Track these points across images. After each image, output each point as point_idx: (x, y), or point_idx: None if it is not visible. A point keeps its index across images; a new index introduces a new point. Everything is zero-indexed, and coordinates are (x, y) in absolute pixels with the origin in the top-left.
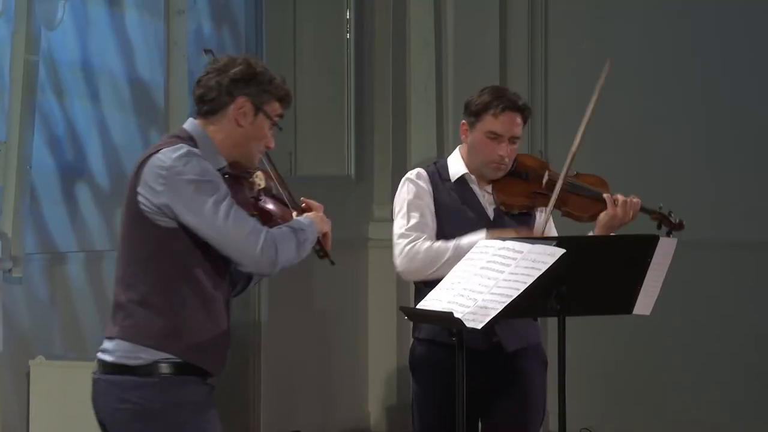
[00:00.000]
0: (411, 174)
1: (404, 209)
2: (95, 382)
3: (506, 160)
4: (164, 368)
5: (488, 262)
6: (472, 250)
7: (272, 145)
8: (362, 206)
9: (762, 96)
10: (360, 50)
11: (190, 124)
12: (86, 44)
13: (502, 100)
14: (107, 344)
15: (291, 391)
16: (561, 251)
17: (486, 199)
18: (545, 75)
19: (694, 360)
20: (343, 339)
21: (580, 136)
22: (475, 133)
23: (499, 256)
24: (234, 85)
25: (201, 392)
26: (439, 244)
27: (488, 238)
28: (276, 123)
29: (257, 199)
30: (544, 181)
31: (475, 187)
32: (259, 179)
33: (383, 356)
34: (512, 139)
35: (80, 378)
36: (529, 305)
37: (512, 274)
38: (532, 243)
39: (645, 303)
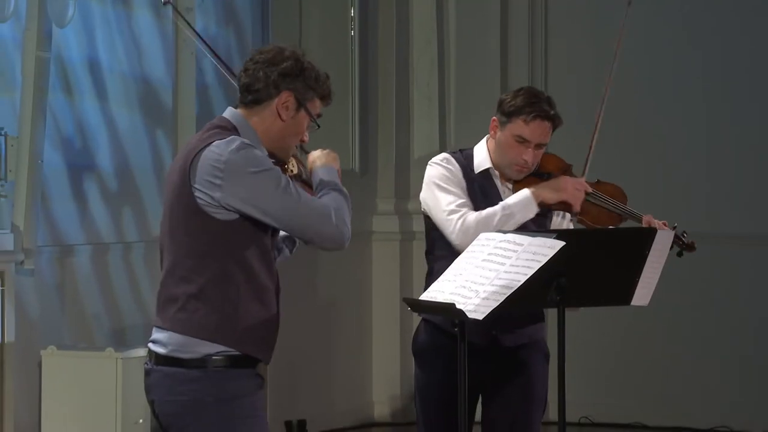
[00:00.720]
0: (438, 158)
1: (442, 187)
2: (148, 372)
3: (530, 164)
4: (217, 361)
5: (490, 254)
6: (473, 242)
7: (307, 139)
8: (366, 200)
9: (760, 91)
10: (364, 48)
11: (231, 113)
12: (95, 42)
13: (534, 107)
14: (158, 335)
15: (296, 381)
16: (561, 244)
17: (506, 195)
18: (545, 73)
19: (691, 351)
20: (347, 330)
21: (594, 141)
22: (504, 133)
23: (501, 248)
24: (282, 79)
25: (252, 386)
26: (487, 211)
27: (531, 195)
28: (315, 121)
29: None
30: None
31: (498, 182)
32: (293, 166)
33: (387, 347)
34: (539, 146)
35: (90, 367)
36: (529, 296)
37: (513, 266)
38: (533, 236)
39: (643, 294)
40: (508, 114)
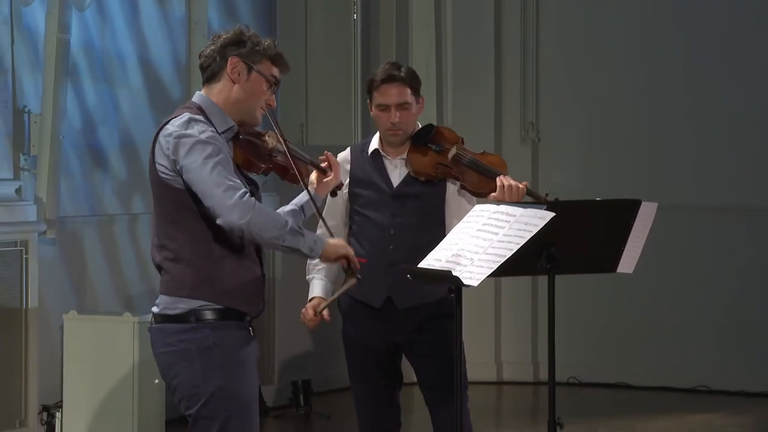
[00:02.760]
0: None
1: None
2: (149, 331)
3: (399, 124)
4: (203, 314)
5: (484, 224)
6: (468, 213)
7: (273, 103)
8: None
9: (740, 71)
10: (366, 31)
11: (196, 95)
12: (112, 28)
13: (381, 75)
14: (157, 299)
15: (302, 344)
16: (551, 215)
17: (394, 170)
18: (536, 54)
19: (672, 316)
20: None
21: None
22: (373, 110)
23: (494, 219)
24: (226, 48)
25: (237, 337)
26: (309, 266)
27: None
28: (272, 82)
29: (271, 155)
30: (450, 155)
31: (386, 161)
32: (271, 139)
33: None
34: (400, 106)
35: (108, 330)
36: (521, 264)
37: (506, 235)
38: (525, 207)
39: (628, 262)
40: (368, 92)
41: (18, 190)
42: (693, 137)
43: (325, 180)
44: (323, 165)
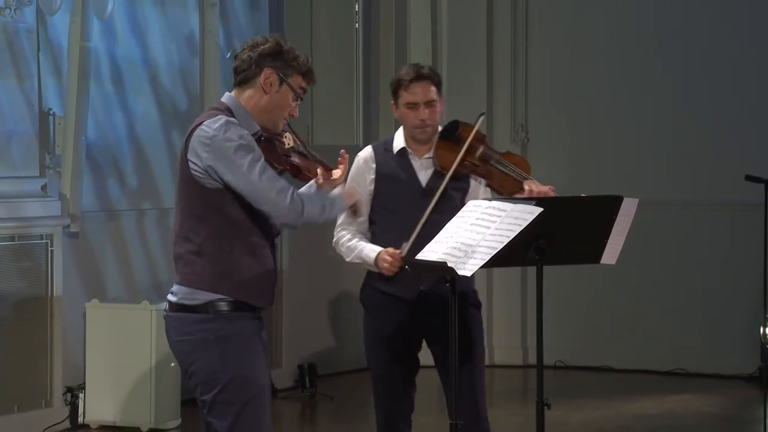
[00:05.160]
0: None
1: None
2: (165, 319)
3: (427, 121)
4: (219, 306)
5: (477, 219)
6: (463, 208)
7: (296, 114)
8: None
9: (712, 72)
10: (367, 38)
11: (226, 96)
12: (134, 36)
13: (408, 74)
14: (174, 288)
15: (307, 329)
16: (539, 210)
17: (420, 168)
18: (525, 59)
19: (652, 304)
20: (352, 284)
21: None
22: (400, 109)
23: (487, 213)
24: (263, 58)
25: (250, 327)
26: (350, 244)
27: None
28: (299, 95)
29: (288, 156)
30: (478, 154)
31: (411, 158)
32: (288, 140)
33: None
34: (428, 103)
35: (128, 317)
36: (512, 256)
37: (498, 229)
38: (515, 203)
39: (611, 254)
40: (394, 91)
41: (44, 187)
42: (671, 137)
43: (332, 178)
44: (340, 164)
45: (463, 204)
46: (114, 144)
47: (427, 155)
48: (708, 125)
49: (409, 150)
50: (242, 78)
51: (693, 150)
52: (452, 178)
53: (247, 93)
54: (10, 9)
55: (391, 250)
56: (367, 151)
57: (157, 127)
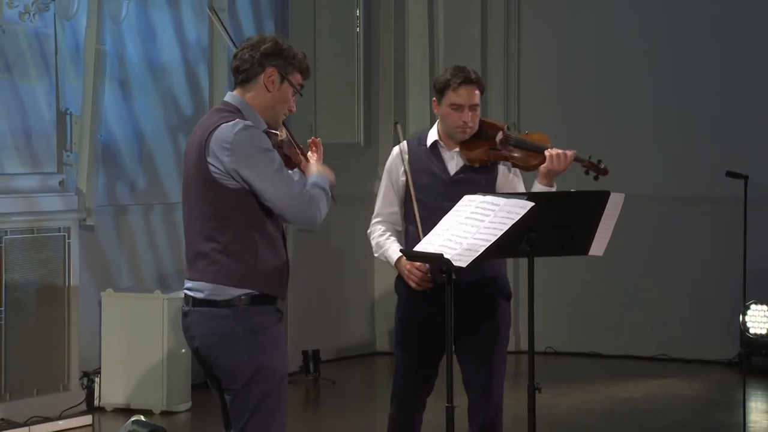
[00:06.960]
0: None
1: (384, 184)
2: (186, 314)
3: (469, 124)
4: (245, 300)
5: (471, 212)
6: (458, 203)
7: (294, 109)
8: (369, 167)
9: (696, 73)
10: (368, 42)
11: (231, 96)
12: (146, 39)
13: (458, 77)
14: (191, 284)
15: (312, 317)
16: (531, 204)
17: (451, 161)
18: (518, 61)
19: (637, 293)
20: (354, 274)
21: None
22: (442, 107)
23: (481, 208)
24: (265, 57)
25: (273, 319)
26: (380, 240)
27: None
28: (298, 91)
29: (281, 147)
30: (498, 139)
31: (443, 152)
32: (282, 133)
33: (387, 289)
34: (472, 107)
35: (141, 306)
36: (505, 248)
37: (491, 222)
38: (507, 197)
39: (598, 246)
40: (440, 90)
41: (61, 183)
42: (656, 135)
43: (309, 163)
44: (311, 148)
45: (491, 192)
46: (125, 142)
47: (455, 149)
48: (691, 125)
49: (441, 143)
50: (244, 77)
51: (677, 148)
52: (480, 168)
53: (251, 92)
54: (30, 14)
55: (417, 264)
56: (401, 145)
57: (164, 127)
